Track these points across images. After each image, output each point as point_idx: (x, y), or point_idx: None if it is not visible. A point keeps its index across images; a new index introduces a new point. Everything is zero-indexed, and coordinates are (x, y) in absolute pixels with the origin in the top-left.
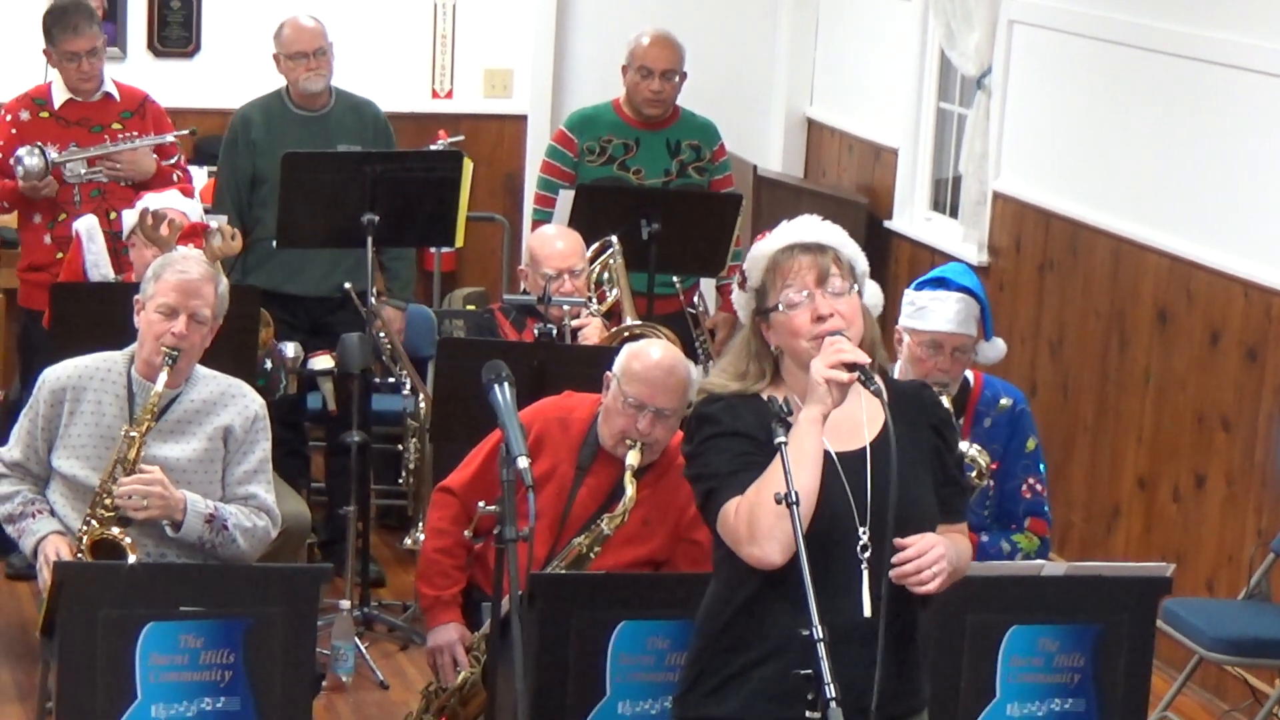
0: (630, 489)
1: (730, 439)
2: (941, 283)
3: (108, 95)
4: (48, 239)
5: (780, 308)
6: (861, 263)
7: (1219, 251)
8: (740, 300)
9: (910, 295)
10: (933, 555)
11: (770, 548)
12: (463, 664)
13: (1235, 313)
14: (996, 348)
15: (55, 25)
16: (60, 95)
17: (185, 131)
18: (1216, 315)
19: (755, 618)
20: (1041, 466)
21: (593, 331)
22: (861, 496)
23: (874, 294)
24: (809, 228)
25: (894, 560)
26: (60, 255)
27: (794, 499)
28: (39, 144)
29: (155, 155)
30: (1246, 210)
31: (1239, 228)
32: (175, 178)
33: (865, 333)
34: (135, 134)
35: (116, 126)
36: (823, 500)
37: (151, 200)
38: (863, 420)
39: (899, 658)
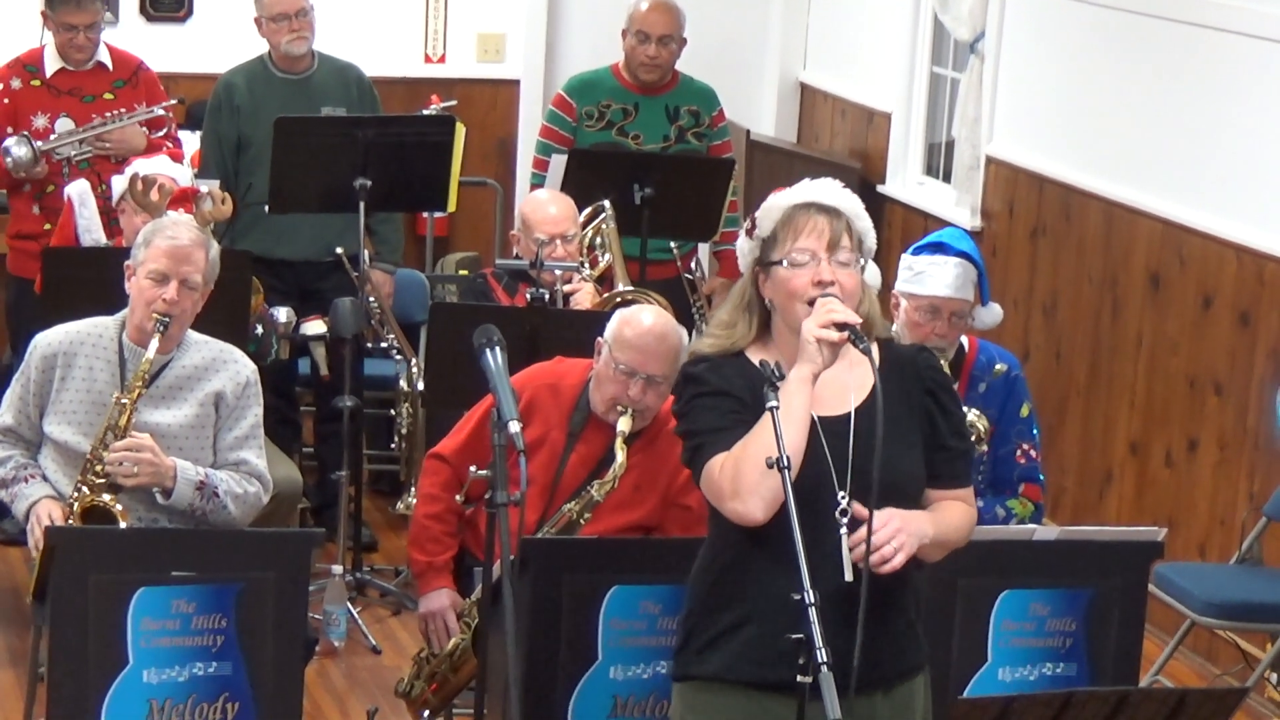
0: (620, 455)
1: (715, 398)
2: (939, 247)
3: (100, 65)
4: (36, 209)
5: (784, 264)
6: (871, 239)
7: (1211, 216)
8: (744, 247)
9: (907, 260)
10: (886, 532)
11: (752, 503)
12: (454, 630)
13: (1227, 277)
14: (993, 312)
15: None
16: (53, 63)
17: (174, 101)
18: (1209, 279)
19: (741, 577)
20: (1035, 432)
21: (585, 296)
22: (843, 462)
23: (873, 275)
24: (831, 191)
25: (850, 544)
26: (48, 226)
27: (785, 463)
28: (25, 133)
29: (145, 129)
30: (1239, 174)
31: (1231, 192)
32: (164, 150)
33: (864, 307)
34: (122, 111)
35: (109, 96)
36: (805, 465)
37: (141, 165)
38: (849, 385)
39: (885, 621)
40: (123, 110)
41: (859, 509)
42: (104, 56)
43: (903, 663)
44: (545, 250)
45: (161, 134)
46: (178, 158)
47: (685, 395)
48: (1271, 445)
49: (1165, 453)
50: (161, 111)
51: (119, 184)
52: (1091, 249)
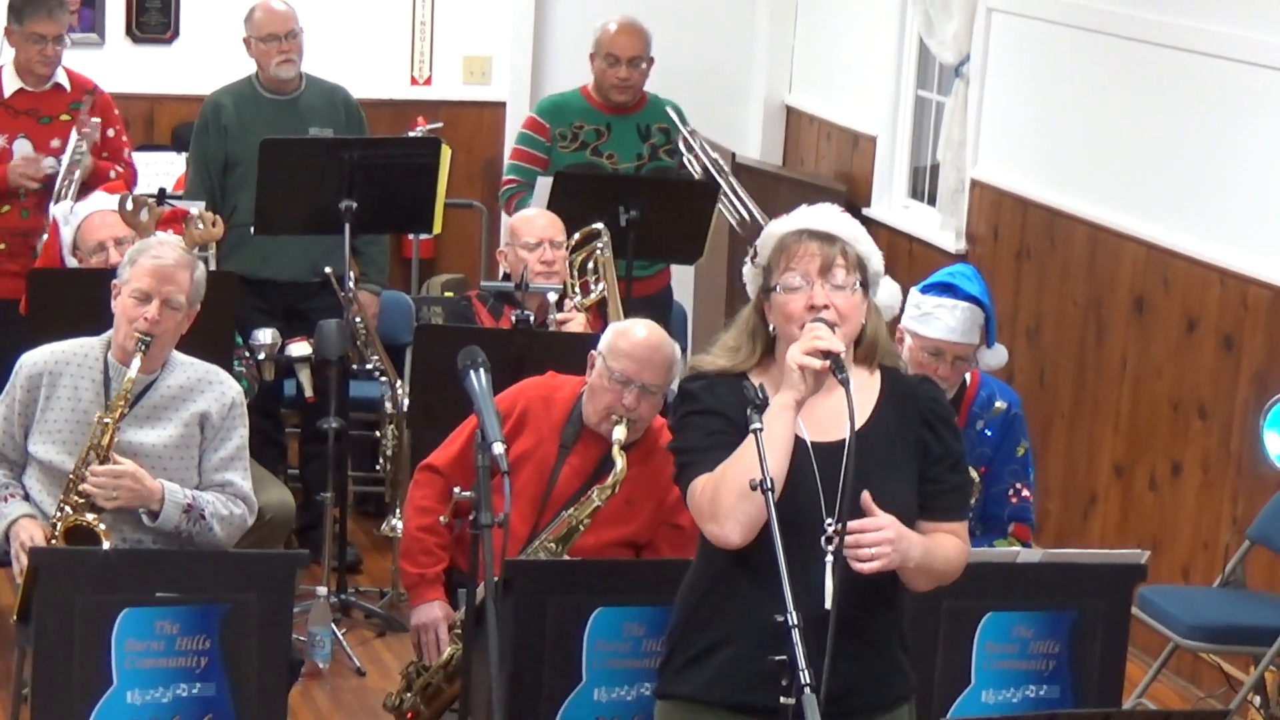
0: (620, 461)
1: (706, 417)
2: (949, 289)
3: (58, 85)
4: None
5: (779, 289)
6: (875, 262)
7: (1196, 239)
8: (749, 275)
9: (916, 298)
10: (876, 536)
11: (729, 526)
12: (444, 642)
13: (1212, 300)
14: (998, 354)
15: (28, 5)
16: (11, 83)
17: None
18: (1193, 303)
19: (724, 598)
20: (1030, 471)
21: (576, 326)
22: (832, 488)
23: (891, 294)
24: (826, 216)
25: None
26: (3, 246)
27: (768, 485)
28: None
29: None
30: (1223, 198)
31: (1216, 216)
32: (112, 175)
33: (869, 330)
34: (83, 144)
35: (65, 118)
36: (791, 490)
37: (83, 208)
38: (845, 412)
39: (867, 650)
40: (83, 142)
41: (866, 501)
42: (61, 78)
43: (887, 692)
44: (534, 254)
45: (121, 155)
46: (131, 179)
47: (680, 411)
48: (1255, 469)
49: (1149, 476)
50: (112, 132)
51: (66, 229)
52: (1076, 272)
